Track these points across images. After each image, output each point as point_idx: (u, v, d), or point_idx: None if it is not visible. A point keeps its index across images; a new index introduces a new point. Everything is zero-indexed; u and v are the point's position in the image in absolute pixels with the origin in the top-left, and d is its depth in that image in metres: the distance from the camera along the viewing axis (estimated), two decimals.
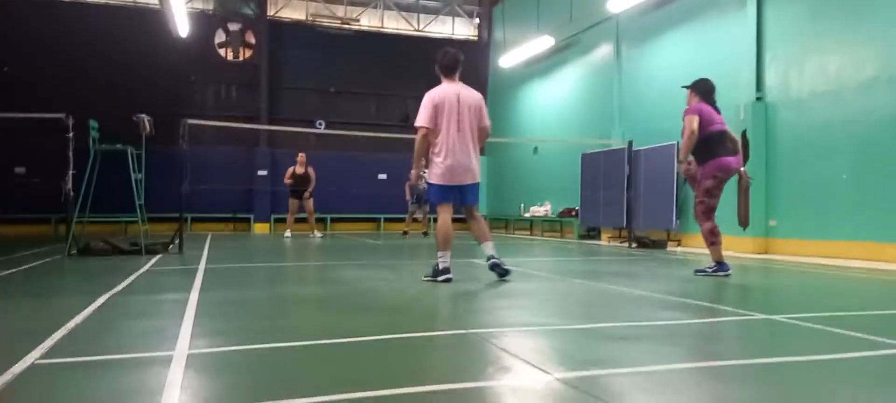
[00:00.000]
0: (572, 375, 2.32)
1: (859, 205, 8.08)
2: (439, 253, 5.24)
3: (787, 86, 9.21)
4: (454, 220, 5.41)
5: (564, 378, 2.28)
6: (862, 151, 8.09)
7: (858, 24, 8.25)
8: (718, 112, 5.91)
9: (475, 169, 5.38)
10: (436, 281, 5.15)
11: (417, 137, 5.31)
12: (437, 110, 5.25)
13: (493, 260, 5.34)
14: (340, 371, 2.46)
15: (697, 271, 5.91)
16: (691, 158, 5.82)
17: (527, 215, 15.94)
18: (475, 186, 5.44)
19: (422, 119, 5.26)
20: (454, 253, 5.41)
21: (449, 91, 5.31)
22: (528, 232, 16.05)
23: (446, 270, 5.19)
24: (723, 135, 5.78)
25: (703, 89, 5.96)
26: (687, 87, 6.11)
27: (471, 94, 5.40)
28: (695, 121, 5.67)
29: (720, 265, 5.75)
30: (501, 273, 5.30)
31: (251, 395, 2.11)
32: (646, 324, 3.48)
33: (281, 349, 2.80)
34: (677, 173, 10.72)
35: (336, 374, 2.41)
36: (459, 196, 5.41)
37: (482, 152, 5.66)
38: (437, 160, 5.30)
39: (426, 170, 5.93)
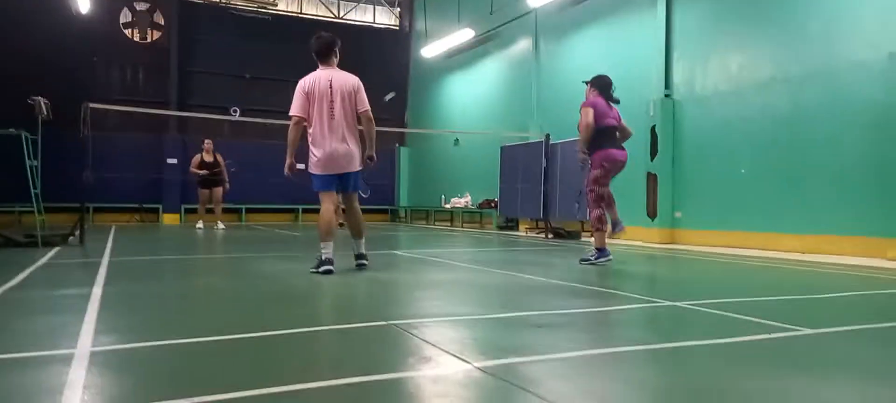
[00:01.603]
0: (492, 363, 2.36)
1: (757, 198, 8.64)
2: (321, 244, 5.15)
3: (693, 83, 9.71)
4: (364, 211, 5.48)
5: (484, 366, 2.32)
6: (759, 147, 8.65)
7: (757, 26, 8.79)
8: (613, 107, 6.27)
9: (354, 155, 5.24)
10: (318, 272, 5.05)
11: (290, 125, 5.21)
12: (308, 98, 5.14)
13: (361, 262, 5.40)
14: (254, 365, 2.39)
15: (582, 259, 6.16)
16: (580, 151, 6.24)
17: (447, 206, 16.06)
18: (355, 174, 5.33)
19: (292, 108, 5.17)
20: (374, 245, 5.39)
21: (321, 77, 5.18)
22: (449, 224, 16.18)
23: (328, 261, 5.07)
24: (613, 129, 6.18)
25: (601, 84, 6.32)
26: (586, 82, 6.45)
27: (345, 79, 5.22)
28: (590, 114, 6.04)
29: (601, 251, 6.04)
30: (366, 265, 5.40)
31: (158, 393, 2.01)
32: (561, 313, 3.58)
33: (190, 344, 2.69)
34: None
35: (249, 369, 2.34)
36: (340, 184, 5.32)
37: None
38: (313, 149, 5.20)
39: None
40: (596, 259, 6.00)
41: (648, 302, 4.05)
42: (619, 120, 6.27)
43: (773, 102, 8.50)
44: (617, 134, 6.21)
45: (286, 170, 5.40)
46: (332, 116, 5.11)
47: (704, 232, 9.35)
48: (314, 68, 5.35)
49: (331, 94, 5.12)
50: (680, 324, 3.40)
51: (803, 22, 8.19)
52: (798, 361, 2.58)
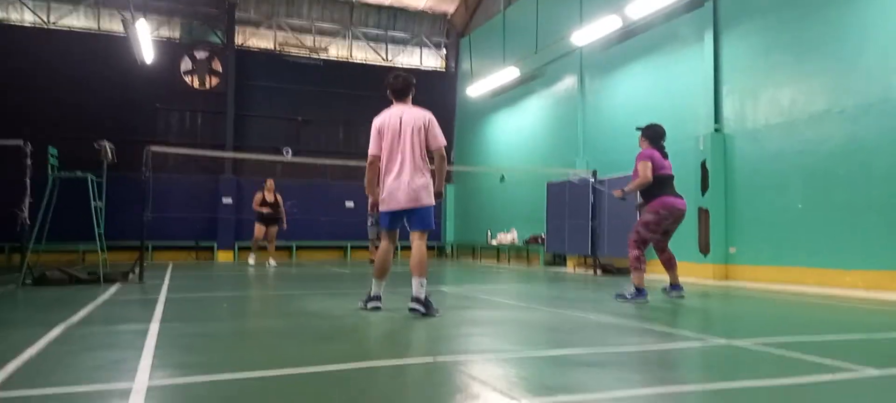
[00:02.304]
0: (540, 401, 2.34)
1: (813, 233, 8.34)
2: (373, 280, 5.24)
3: (744, 117, 9.52)
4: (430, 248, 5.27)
5: None
6: (814, 181, 8.38)
7: (809, 58, 8.60)
8: (666, 156, 6.30)
9: (418, 192, 5.02)
10: (364, 307, 5.17)
11: (366, 165, 5.25)
12: (380, 135, 5.16)
13: (413, 305, 4.88)
14: (306, 401, 2.43)
15: (617, 295, 6.14)
16: (624, 190, 6.53)
17: (494, 242, 16.01)
18: (419, 211, 5.06)
19: (370, 147, 5.19)
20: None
21: (393, 114, 5.16)
22: (495, 260, 16.11)
23: (376, 298, 5.16)
24: (670, 178, 6.23)
25: (652, 135, 6.37)
26: (639, 129, 6.51)
27: (415, 114, 5.12)
28: (649, 169, 6.09)
29: (639, 291, 5.99)
30: (423, 315, 4.84)
31: None
32: (611, 350, 3.52)
33: (243, 380, 2.75)
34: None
35: None
36: (406, 221, 5.20)
37: (445, 177, 5.41)
38: (381, 185, 5.18)
39: None
40: (632, 297, 5.96)
41: (702, 340, 3.93)
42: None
43: (828, 135, 8.25)
44: (673, 182, 6.24)
45: (370, 208, 5.46)
46: (399, 152, 5.05)
47: (759, 267, 9.05)
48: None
49: (400, 130, 5.08)
50: (737, 364, 3.28)
51: (857, 52, 7.97)
52: None
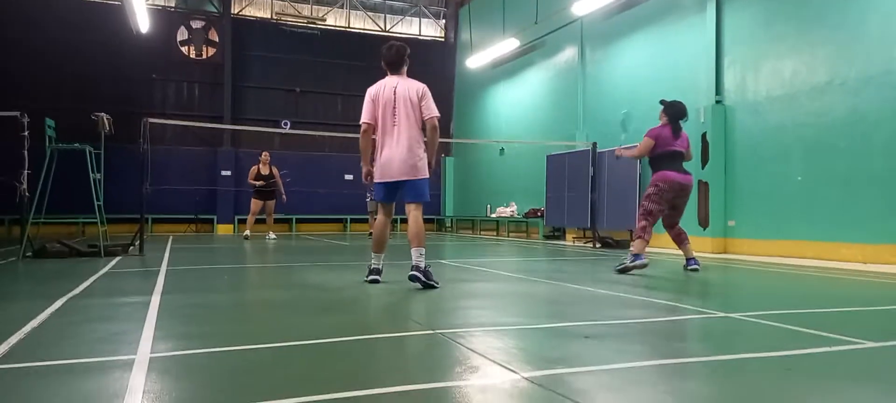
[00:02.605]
0: (539, 374, 2.35)
1: (813, 206, 8.35)
2: (372, 254, 5.24)
3: (744, 89, 9.47)
4: (426, 220, 5.25)
5: (531, 376, 2.31)
6: (814, 153, 8.36)
7: (810, 29, 8.52)
8: (678, 135, 6.39)
9: (414, 164, 5.01)
10: (367, 281, 5.18)
11: (360, 134, 5.23)
12: (374, 104, 5.11)
13: (413, 273, 4.87)
14: (307, 373, 2.45)
15: (616, 268, 6.23)
16: (623, 153, 7.12)
17: (493, 216, 16.04)
18: (415, 182, 5.04)
19: (362, 115, 5.16)
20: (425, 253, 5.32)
21: (387, 84, 5.13)
22: (495, 233, 16.14)
23: (375, 271, 5.18)
24: (678, 154, 6.39)
25: (672, 112, 6.48)
26: (662, 103, 6.59)
27: (410, 85, 5.10)
28: (647, 146, 6.36)
29: (636, 256, 6.10)
30: (423, 285, 4.84)
31: (216, 399, 2.08)
32: (610, 323, 3.54)
33: (246, 351, 2.77)
34: (640, 174, 10.93)
35: (303, 376, 2.39)
36: (400, 193, 5.13)
37: (438, 149, 5.34)
38: (376, 156, 5.17)
39: None
40: (632, 261, 6.09)
41: (701, 312, 3.96)
42: (687, 146, 6.50)
43: (829, 107, 8.21)
44: (681, 158, 6.41)
45: (364, 177, 5.45)
46: (393, 123, 5.04)
47: (758, 241, 9.07)
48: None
49: (394, 101, 5.06)
50: (734, 336, 3.30)
51: (859, 24, 7.89)
52: (860, 375, 2.48)
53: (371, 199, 13.85)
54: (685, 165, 6.46)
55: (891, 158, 7.43)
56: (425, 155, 5.10)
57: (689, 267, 6.38)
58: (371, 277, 5.19)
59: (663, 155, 6.33)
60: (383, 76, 5.26)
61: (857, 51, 7.90)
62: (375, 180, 5.17)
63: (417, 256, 4.92)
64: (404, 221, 5.76)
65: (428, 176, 5.13)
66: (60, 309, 3.83)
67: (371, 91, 5.18)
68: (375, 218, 14.98)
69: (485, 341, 2.98)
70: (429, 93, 5.14)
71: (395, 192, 5.16)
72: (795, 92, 8.68)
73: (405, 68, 5.26)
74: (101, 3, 16.05)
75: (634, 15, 11.75)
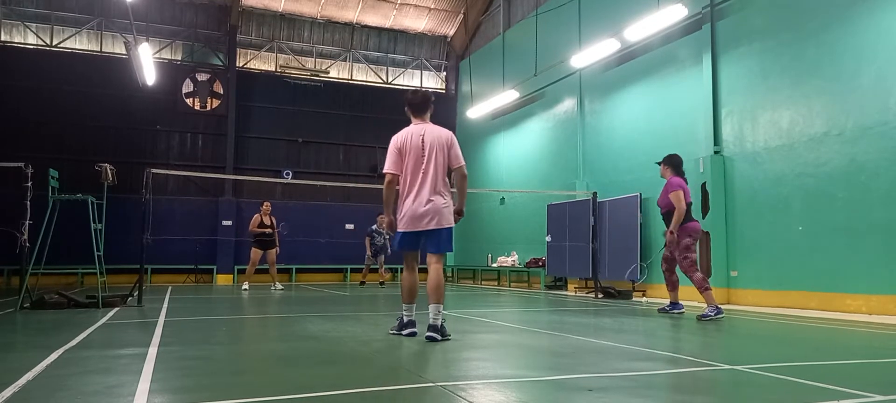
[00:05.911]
0: None
1: (815, 256, 8.31)
2: (403, 306, 5.09)
3: (743, 140, 9.54)
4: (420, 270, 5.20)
5: None
6: (814, 203, 8.38)
7: (806, 80, 8.64)
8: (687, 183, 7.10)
9: (441, 213, 4.91)
10: (400, 334, 5.05)
11: (384, 184, 5.12)
12: (400, 154, 5.01)
13: (430, 334, 4.75)
14: None
15: (700, 317, 6.71)
16: (674, 229, 7.09)
17: (494, 265, 15.98)
18: (439, 232, 4.94)
19: (386, 165, 5.07)
20: (420, 304, 5.29)
21: (414, 132, 5.04)
22: (496, 283, 16.05)
23: (410, 323, 5.02)
24: (690, 206, 6.96)
25: (675, 163, 7.08)
26: (660, 163, 7.19)
27: (438, 133, 5.02)
28: (681, 199, 6.80)
29: (717, 309, 6.71)
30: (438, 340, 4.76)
31: None
32: (613, 375, 3.49)
33: None
34: (641, 224, 10.93)
35: None
36: (425, 243, 5.00)
37: (462, 197, 5.20)
38: (400, 205, 5.07)
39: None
40: (715, 314, 6.59)
41: (705, 365, 3.90)
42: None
43: (827, 157, 8.27)
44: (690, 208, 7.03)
45: (386, 228, 5.30)
46: (422, 172, 4.93)
47: (761, 291, 9.01)
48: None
49: (422, 149, 4.95)
50: (740, 390, 3.25)
51: (854, 74, 8.01)
52: None
53: (370, 255, 14.03)
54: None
55: (891, 208, 7.44)
56: (451, 204, 5.07)
57: (673, 311, 7.12)
58: (407, 331, 4.99)
59: (689, 205, 6.86)
60: (389, 126, 5.26)
61: (853, 101, 8.00)
62: (400, 229, 5.05)
63: (435, 313, 4.80)
64: (400, 271, 5.69)
65: (453, 224, 5.07)
66: (58, 361, 3.79)
67: (397, 140, 5.08)
68: (372, 269, 14.87)
69: (486, 394, 2.93)
70: (456, 141, 5.15)
71: (418, 241, 5.04)
72: (793, 142, 8.75)
73: (429, 113, 5.21)
74: (110, 56, 16.36)
75: (632, 67, 11.95)
